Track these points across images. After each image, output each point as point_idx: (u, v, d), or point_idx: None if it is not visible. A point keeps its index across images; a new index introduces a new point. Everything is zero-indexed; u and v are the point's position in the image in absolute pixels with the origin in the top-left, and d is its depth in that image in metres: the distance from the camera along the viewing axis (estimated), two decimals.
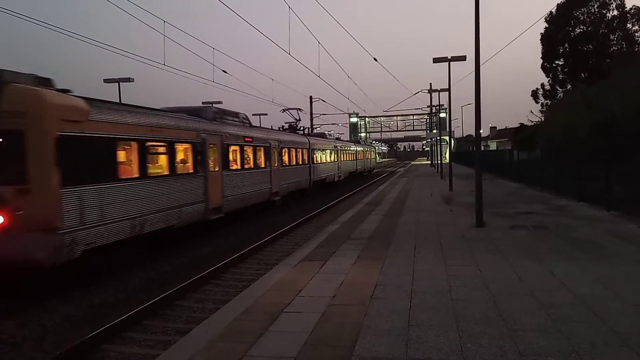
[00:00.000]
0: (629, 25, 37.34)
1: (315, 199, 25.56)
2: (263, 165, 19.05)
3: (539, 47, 39.87)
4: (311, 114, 44.21)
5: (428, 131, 70.98)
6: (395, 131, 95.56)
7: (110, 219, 9.65)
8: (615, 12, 37.46)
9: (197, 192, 13.33)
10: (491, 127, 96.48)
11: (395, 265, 7.86)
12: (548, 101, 40.49)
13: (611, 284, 6.42)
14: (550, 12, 38.61)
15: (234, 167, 16.31)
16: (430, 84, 35.64)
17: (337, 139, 44.01)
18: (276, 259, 11.02)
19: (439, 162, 37.46)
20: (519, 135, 41.41)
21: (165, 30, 15.97)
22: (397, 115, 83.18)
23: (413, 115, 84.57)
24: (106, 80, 27.46)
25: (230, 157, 16.05)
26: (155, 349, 6.23)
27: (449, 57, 21.48)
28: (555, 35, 38.45)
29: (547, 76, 40.28)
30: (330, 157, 32.55)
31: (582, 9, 37.89)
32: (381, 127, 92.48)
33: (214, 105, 21.12)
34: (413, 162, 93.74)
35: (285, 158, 22.26)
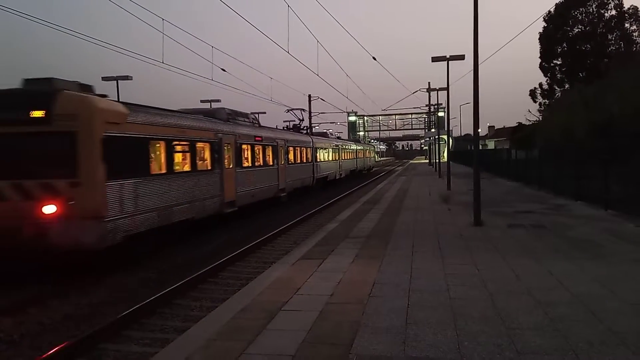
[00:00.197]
0: (627, 25, 37.39)
1: (316, 196, 25.87)
2: (271, 163, 20.18)
3: (537, 47, 39.92)
4: (310, 112, 44.19)
5: (426, 130, 70.98)
6: (393, 130, 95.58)
7: (143, 210, 10.80)
8: (614, 12, 37.51)
9: (214, 187, 14.44)
10: (489, 127, 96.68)
11: (393, 264, 7.87)
12: (546, 101, 40.54)
13: (608, 283, 6.44)
14: (549, 11, 38.65)
15: (246, 164, 17.42)
16: (429, 83, 35.70)
17: (338, 138, 44.68)
18: (274, 257, 11.01)
19: (437, 161, 37.50)
20: (517, 134, 41.48)
21: (164, 28, 15.94)
22: (395, 114, 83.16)
23: (411, 114, 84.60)
24: (104, 78, 27.36)
25: (243, 155, 17.15)
26: (153, 347, 6.22)
27: (448, 57, 21.47)
28: (554, 34, 38.48)
29: (545, 76, 40.32)
30: (331, 155, 33.56)
31: (581, 9, 37.92)
32: (379, 126, 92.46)
33: (215, 105, 21.38)
34: (411, 161, 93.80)
35: (291, 156, 23.42)
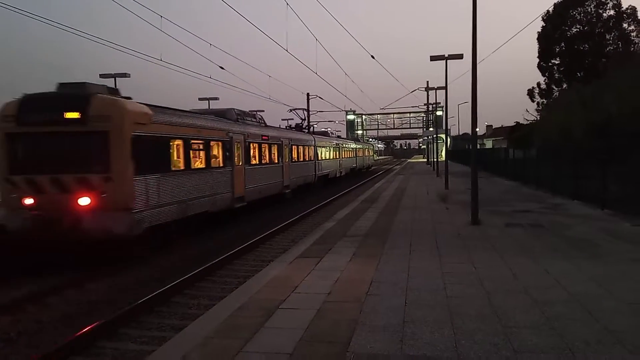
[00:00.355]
0: (625, 25, 37.47)
1: (317, 194, 26.31)
2: (276, 161, 21.12)
3: (535, 47, 39.97)
4: (308, 111, 44.15)
5: (424, 129, 70.99)
6: (391, 129, 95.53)
7: (165, 203, 11.68)
8: (612, 12, 37.59)
9: (225, 183, 15.37)
10: (487, 126, 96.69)
11: (390, 263, 7.88)
12: (544, 100, 40.60)
13: (605, 283, 6.46)
14: (547, 11, 38.69)
15: (254, 162, 18.30)
16: (427, 82, 35.67)
17: (338, 137, 45.37)
18: (272, 256, 11.01)
19: (435, 160, 37.54)
20: (515, 133, 41.54)
21: (162, 25, 15.94)
22: (393, 113, 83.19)
23: (410, 113, 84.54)
24: (102, 75, 27.22)
25: (251, 154, 18.04)
26: (151, 345, 6.22)
27: (446, 55, 21.48)
28: (552, 34, 38.53)
29: (544, 75, 40.36)
30: (332, 154, 34.56)
31: (579, 9, 37.98)
32: (378, 124, 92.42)
33: (213, 103, 21.56)
34: (409, 160, 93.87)
35: (295, 155, 24.31)
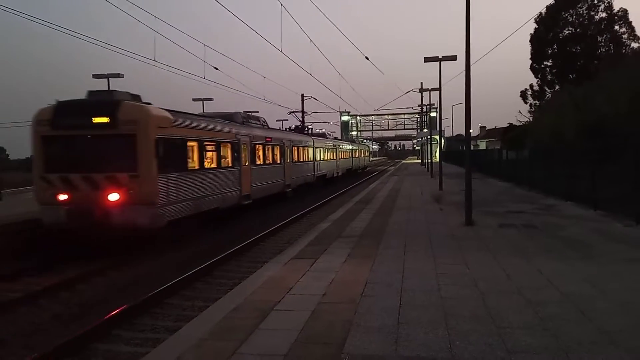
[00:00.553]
0: (616, 27, 37.77)
1: (315, 193, 26.75)
2: (279, 161, 22.34)
3: (528, 49, 40.21)
4: (302, 112, 44.13)
5: (419, 130, 71.20)
6: (386, 130, 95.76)
7: (182, 199, 12.79)
8: (604, 14, 37.88)
9: (234, 182, 16.53)
10: (481, 127, 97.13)
11: (385, 264, 7.88)
12: (537, 102, 40.86)
13: (598, 283, 6.50)
14: (540, 13, 38.93)
15: (259, 162, 19.51)
16: (421, 83, 35.74)
17: (335, 138, 46.10)
18: (267, 257, 10.99)
19: (430, 161, 37.64)
20: (508, 135, 41.75)
21: (155, 25, 15.87)
22: (388, 114, 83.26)
23: (404, 114, 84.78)
24: (95, 76, 27.02)
25: (256, 154, 19.23)
26: (144, 347, 6.18)
27: (440, 57, 21.55)
28: (545, 36, 38.79)
29: (536, 77, 40.63)
30: (330, 155, 35.85)
31: (571, 11, 38.26)
32: (372, 125, 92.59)
33: (207, 104, 21.94)
34: (404, 161, 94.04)
35: (295, 155, 25.53)
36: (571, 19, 38.34)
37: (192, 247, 12.89)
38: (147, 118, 11.61)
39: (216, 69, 22.80)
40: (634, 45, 37.13)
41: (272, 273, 7.54)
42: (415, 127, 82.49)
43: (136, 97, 12.49)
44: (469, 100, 11.98)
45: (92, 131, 11.43)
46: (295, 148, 25.65)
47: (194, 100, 31.79)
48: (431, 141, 38.48)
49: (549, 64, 39.62)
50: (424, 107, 44.44)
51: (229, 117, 18.06)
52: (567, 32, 38.41)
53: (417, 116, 76.17)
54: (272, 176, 21.14)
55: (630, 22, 37.41)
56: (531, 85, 41.27)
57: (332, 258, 8.44)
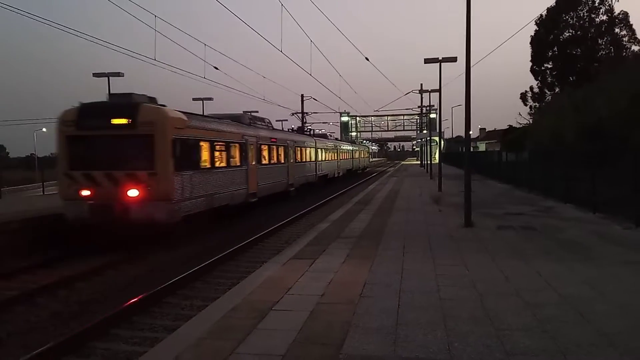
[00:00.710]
0: (617, 30, 37.76)
1: (317, 193, 27.03)
2: (283, 161, 23.10)
3: (528, 51, 40.21)
4: (302, 112, 44.13)
5: (418, 131, 71.17)
6: (385, 131, 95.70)
7: (196, 196, 13.52)
8: (604, 17, 37.86)
9: (242, 180, 17.30)
10: (480, 129, 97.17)
11: (384, 265, 7.88)
12: (536, 104, 40.83)
13: (597, 285, 6.50)
14: (541, 15, 38.94)
15: (264, 162, 20.25)
16: (421, 84, 35.81)
17: (336, 139, 46.63)
18: (266, 257, 10.98)
19: (429, 162, 37.64)
20: (508, 136, 41.75)
21: (156, 25, 15.88)
22: (387, 115, 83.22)
23: (404, 115, 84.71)
24: (95, 75, 27.02)
25: (262, 154, 19.94)
26: (143, 346, 6.18)
27: (440, 58, 21.57)
28: (545, 38, 38.79)
29: (536, 79, 40.62)
30: (331, 155, 36.61)
31: (572, 13, 38.24)
32: (372, 126, 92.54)
33: (207, 104, 21.97)
34: (403, 162, 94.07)
35: (298, 156, 26.29)
36: (572, 22, 38.33)
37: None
38: (164, 119, 12.30)
39: (216, 68, 22.83)
40: (635, 48, 37.20)
41: (271, 273, 7.53)
42: (415, 128, 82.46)
43: (153, 100, 13.16)
44: (469, 102, 11.99)
45: (113, 131, 12.14)
46: (299, 148, 26.32)
47: (194, 99, 31.83)
48: (431, 142, 38.49)
49: (549, 66, 39.61)
50: (424, 109, 44.44)
51: (236, 119, 18.72)
52: (567, 34, 38.40)
53: (416, 117, 76.15)
54: (276, 175, 21.81)
55: (631, 25, 37.45)
56: (531, 87, 41.27)
57: (331, 258, 8.43)
